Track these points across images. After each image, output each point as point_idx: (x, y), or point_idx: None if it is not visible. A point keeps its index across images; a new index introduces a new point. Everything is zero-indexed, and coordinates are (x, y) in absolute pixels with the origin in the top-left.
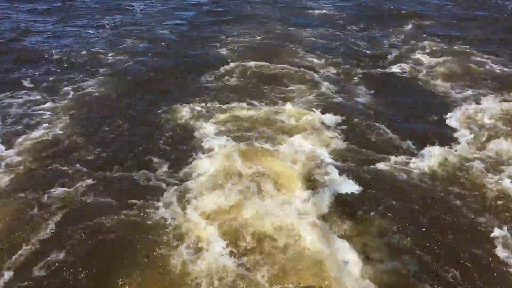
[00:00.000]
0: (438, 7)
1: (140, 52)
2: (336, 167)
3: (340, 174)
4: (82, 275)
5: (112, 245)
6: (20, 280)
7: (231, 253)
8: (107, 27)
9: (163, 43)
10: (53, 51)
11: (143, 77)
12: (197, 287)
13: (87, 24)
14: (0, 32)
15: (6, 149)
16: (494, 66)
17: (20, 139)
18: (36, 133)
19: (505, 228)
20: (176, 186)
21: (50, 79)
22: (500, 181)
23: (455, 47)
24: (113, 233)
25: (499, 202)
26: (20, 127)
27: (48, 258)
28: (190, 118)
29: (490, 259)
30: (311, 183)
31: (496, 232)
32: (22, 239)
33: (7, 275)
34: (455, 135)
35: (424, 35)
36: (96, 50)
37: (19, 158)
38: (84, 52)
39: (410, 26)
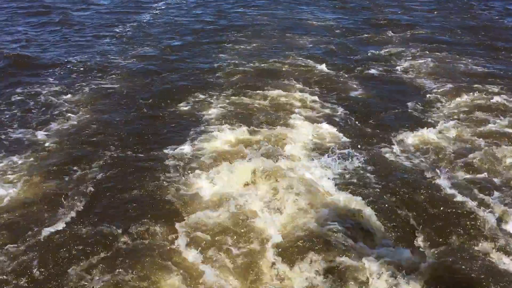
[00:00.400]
0: (424, 18)
1: (149, 57)
2: (329, 147)
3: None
4: (110, 232)
5: (135, 204)
6: (52, 244)
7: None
8: (118, 36)
9: (169, 49)
10: (72, 57)
11: (151, 77)
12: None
13: (100, 35)
14: (25, 40)
15: (42, 132)
16: (472, 65)
17: (51, 125)
18: (63, 120)
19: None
20: (182, 160)
21: (71, 78)
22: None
23: (438, 52)
24: (133, 197)
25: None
26: (48, 115)
27: (81, 213)
28: (194, 108)
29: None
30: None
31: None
32: (60, 205)
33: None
34: (431, 121)
35: (410, 41)
36: (109, 56)
37: (52, 140)
38: (98, 58)
39: (399, 33)
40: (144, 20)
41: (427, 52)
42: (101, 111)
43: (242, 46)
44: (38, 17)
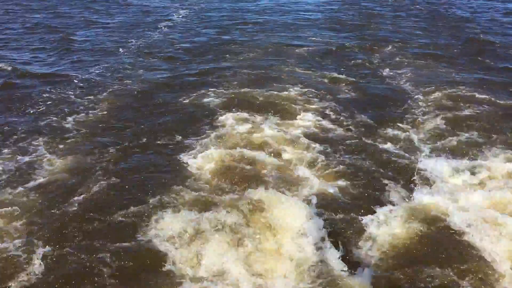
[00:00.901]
0: (411, 35)
1: (159, 66)
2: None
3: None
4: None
5: (147, 182)
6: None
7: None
8: (128, 51)
9: (178, 62)
10: (92, 66)
11: (162, 81)
12: None
13: (114, 47)
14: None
15: (71, 121)
16: (452, 72)
17: (78, 116)
18: (87, 113)
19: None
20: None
21: (92, 82)
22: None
23: (422, 61)
24: (148, 175)
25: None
26: (75, 109)
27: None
28: (200, 106)
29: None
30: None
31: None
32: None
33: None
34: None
35: (399, 54)
36: (124, 65)
37: (79, 129)
38: (115, 65)
39: (388, 47)
40: (155, 36)
41: (413, 61)
42: (118, 108)
43: (243, 57)
44: (50, 34)
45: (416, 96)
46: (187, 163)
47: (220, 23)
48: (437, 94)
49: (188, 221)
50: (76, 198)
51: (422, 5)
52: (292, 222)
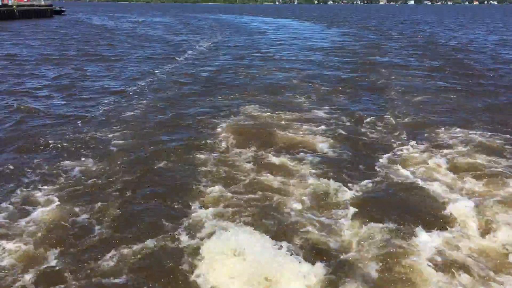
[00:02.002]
0: (404, 61)
1: (170, 95)
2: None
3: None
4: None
5: (172, 176)
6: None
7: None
8: (142, 84)
9: (183, 94)
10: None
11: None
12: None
13: (131, 76)
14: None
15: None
16: (438, 82)
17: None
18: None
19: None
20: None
21: (119, 106)
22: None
23: (410, 76)
24: (170, 168)
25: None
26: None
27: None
28: (202, 120)
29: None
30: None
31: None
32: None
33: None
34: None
35: (394, 73)
36: (139, 96)
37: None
38: (134, 87)
39: (387, 68)
40: (164, 72)
41: (402, 77)
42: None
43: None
44: (63, 68)
45: (401, 98)
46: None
47: (238, 51)
48: (418, 98)
49: None
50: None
51: (419, 39)
52: None
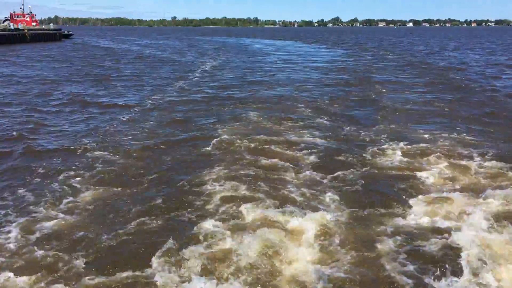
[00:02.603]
0: (397, 77)
1: (181, 108)
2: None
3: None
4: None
5: (183, 175)
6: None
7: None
8: (142, 105)
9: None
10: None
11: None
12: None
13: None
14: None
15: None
16: (427, 95)
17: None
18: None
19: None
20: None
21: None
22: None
23: (404, 91)
24: (182, 164)
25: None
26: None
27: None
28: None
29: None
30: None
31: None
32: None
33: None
34: (386, 117)
35: (386, 88)
36: (156, 102)
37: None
38: (149, 101)
39: (378, 86)
40: (173, 91)
41: (395, 91)
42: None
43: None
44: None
45: (392, 107)
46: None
47: (241, 70)
48: (407, 107)
49: None
50: None
51: (413, 59)
52: None
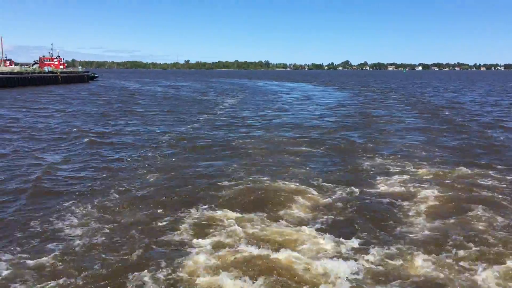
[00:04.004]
0: (397, 113)
1: (208, 135)
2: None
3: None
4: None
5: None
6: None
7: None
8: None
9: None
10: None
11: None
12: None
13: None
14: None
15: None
16: (417, 120)
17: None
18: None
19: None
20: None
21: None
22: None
23: (401, 123)
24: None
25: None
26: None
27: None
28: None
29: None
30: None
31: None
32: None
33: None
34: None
35: (385, 121)
36: (186, 132)
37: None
38: (180, 130)
39: (377, 119)
40: (184, 129)
41: (391, 123)
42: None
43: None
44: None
45: (387, 136)
46: None
47: (257, 106)
48: (401, 134)
49: None
50: None
51: (410, 97)
52: None
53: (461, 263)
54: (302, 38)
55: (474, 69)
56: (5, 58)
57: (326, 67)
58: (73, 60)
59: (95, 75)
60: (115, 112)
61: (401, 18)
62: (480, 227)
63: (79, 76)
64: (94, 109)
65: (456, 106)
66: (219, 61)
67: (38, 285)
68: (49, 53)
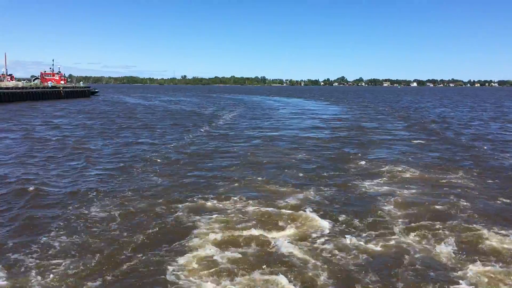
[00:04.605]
0: (386, 126)
1: (208, 144)
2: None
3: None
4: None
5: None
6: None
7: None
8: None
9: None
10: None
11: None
12: None
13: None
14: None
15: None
16: (408, 134)
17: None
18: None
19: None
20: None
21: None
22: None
23: (390, 135)
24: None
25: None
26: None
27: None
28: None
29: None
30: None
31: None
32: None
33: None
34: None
35: (375, 132)
36: (191, 140)
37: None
38: (182, 141)
39: (368, 130)
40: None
41: (380, 134)
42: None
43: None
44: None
45: (375, 146)
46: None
47: (254, 120)
48: (387, 144)
49: None
50: None
51: (402, 112)
52: None
53: (425, 242)
54: (298, 54)
55: (469, 85)
56: (5, 73)
57: (322, 83)
58: (71, 75)
59: (96, 90)
60: (128, 124)
61: (396, 34)
62: (446, 211)
63: (81, 91)
64: (105, 122)
65: (438, 120)
66: (215, 77)
67: (68, 260)
68: (50, 68)
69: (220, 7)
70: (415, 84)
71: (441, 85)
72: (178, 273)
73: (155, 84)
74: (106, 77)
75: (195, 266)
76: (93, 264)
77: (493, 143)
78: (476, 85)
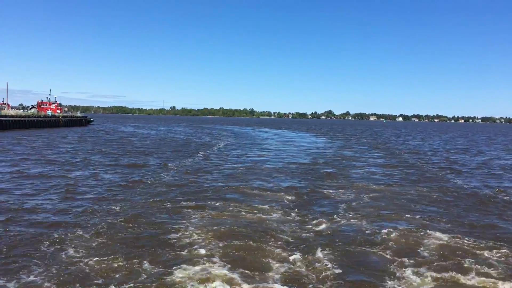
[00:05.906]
0: (366, 156)
1: (201, 167)
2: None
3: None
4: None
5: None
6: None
7: None
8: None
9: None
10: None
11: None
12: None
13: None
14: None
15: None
16: (381, 159)
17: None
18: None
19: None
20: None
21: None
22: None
23: (368, 163)
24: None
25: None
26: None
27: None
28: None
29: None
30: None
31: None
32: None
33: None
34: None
35: (355, 160)
36: (189, 165)
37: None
38: (178, 163)
39: (349, 158)
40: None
41: (358, 162)
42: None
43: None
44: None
45: (353, 170)
46: None
47: (244, 148)
48: (364, 169)
49: None
50: None
51: (381, 145)
52: None
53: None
54: (286, 87)
55: (453, 121)
56: (7, 102)
57: (310, 116)
58: (60, 105)
59: (91, 119)
60: (130, 151)
61: (384, 70)
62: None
63: (79, 120)
64: (110, 148)
65: (413, 151)
66: (204, 108)
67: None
68: (47, 98)
69: (209, 41)
70: (400, 118)
71: (426, 120)
72: None
73: (144, 114)
74: (95, 106)
75: None
76: None
77: (445, 166)
78: (460, 121)
